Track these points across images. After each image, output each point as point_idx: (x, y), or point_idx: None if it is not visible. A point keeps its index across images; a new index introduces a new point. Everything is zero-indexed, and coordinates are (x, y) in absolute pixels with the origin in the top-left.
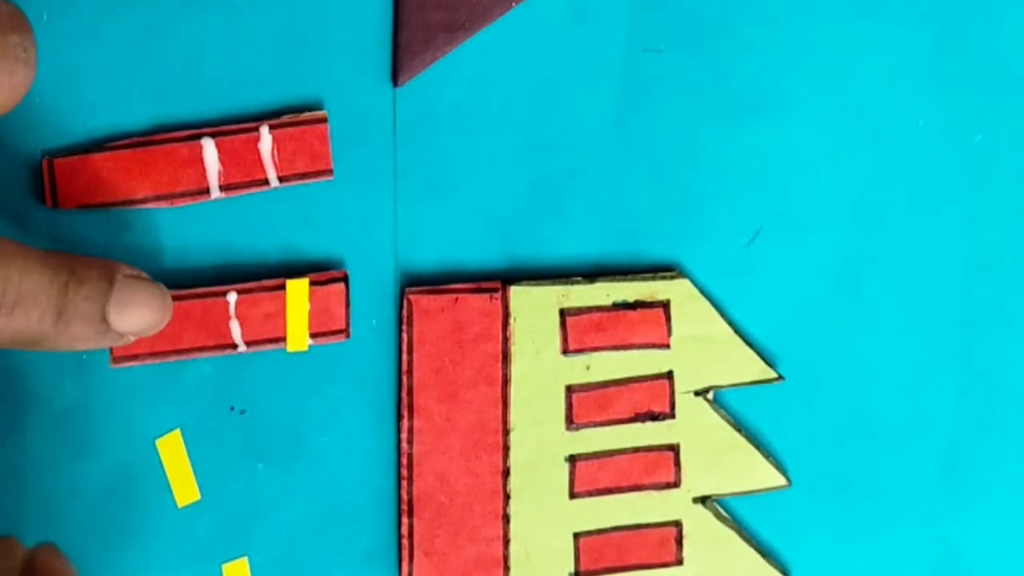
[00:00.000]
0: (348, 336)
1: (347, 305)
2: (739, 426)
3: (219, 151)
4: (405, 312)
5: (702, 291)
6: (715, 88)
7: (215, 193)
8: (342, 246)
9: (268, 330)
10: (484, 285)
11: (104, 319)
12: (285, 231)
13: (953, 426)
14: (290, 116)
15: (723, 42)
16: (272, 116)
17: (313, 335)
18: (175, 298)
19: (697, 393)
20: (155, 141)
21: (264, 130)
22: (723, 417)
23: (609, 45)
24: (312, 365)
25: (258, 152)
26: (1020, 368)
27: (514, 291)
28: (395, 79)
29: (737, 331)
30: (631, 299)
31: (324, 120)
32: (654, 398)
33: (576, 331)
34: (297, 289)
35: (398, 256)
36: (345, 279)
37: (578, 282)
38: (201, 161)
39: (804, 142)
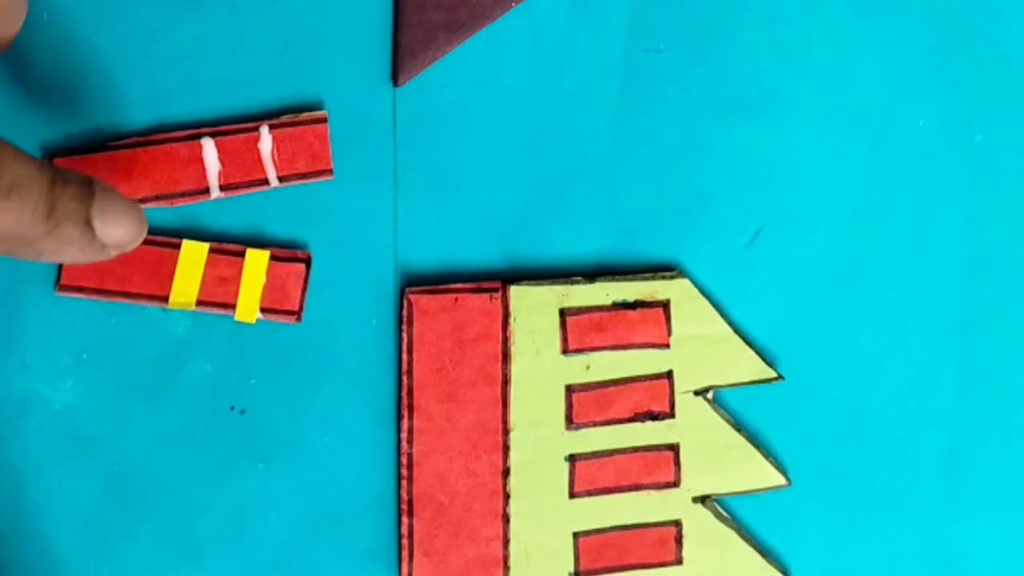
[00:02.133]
0: (299, 320)
1: (304, 288)
2: (739, 426)
3: (219, 151)
4: (405, 312)
5: (702, 291)
6: (715, 88)
7: (215, 193)
8: (342, 246)
9: (220, 294)
10: (484, 285)
11: (89, 224)
12: (285, 231)
13: (953, 426)
14: (290, 116)
15: (723, 42)
16: (272, 116)
17: (264, 310)
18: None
19: (697, 393)
20: (155, 141)
21: (264, 130)
22: (723, 417)
23: (609, 45)
24: (312, 365)
25: (258, 152)
26: (1020, 368)
27: (514, 291)
28: (395, 79)
29: (737, 331)
30: (631, 299)
31: (324, 120)
32: (654, 398)
33: (576, 331)
34: (256, 260)
35: (398, 256)
36: (307, 261)
37: (578, 282)
38: (201, 161)
39: (804, 142)
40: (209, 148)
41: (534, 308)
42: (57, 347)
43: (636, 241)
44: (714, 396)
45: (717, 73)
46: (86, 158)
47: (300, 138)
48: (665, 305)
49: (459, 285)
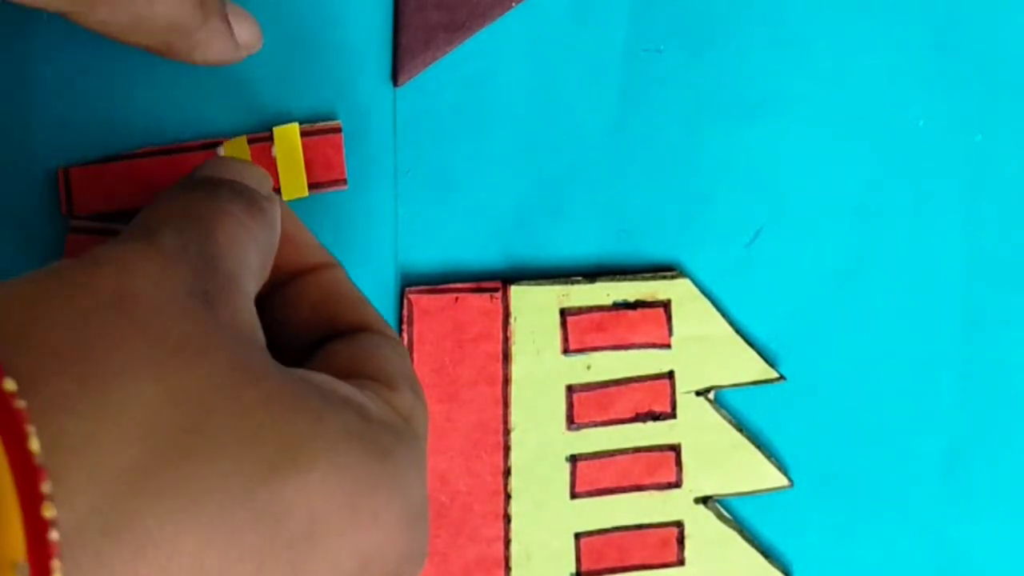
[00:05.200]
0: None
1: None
2: (740, 426)
3: None
4: (405, 312)
5: (703, 291)
6: (715, 88)
7: None
8: (342, 246)
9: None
10: (484, 285)
11: (227, 20)
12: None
13: (953, 426)
14: (306, 125)
15: (723, 42)
16: (279, 121)
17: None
18: None
19: (698, 393)
20: (172, 150)
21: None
22: (724, 417)
23: (609, 45)
24: None
25: (273, 161)
26: (1020, 368)
27: (514, 291)
28: (395, 79)
29: (738, 331)
30: (632, 299)
31: (339, 130)
32: (655, 398)
33: (577, 331)
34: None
35: (398, 256)
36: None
37: (578, 282)
38: None
39: (804, 142)
40: None
41: (534, 308)
42: None
43: (636, 241)
44: (715, 396)
45: (717, 73)
46: (102, 167)
47: (314, 148)
48: (666, 305)
49: (459, 285)
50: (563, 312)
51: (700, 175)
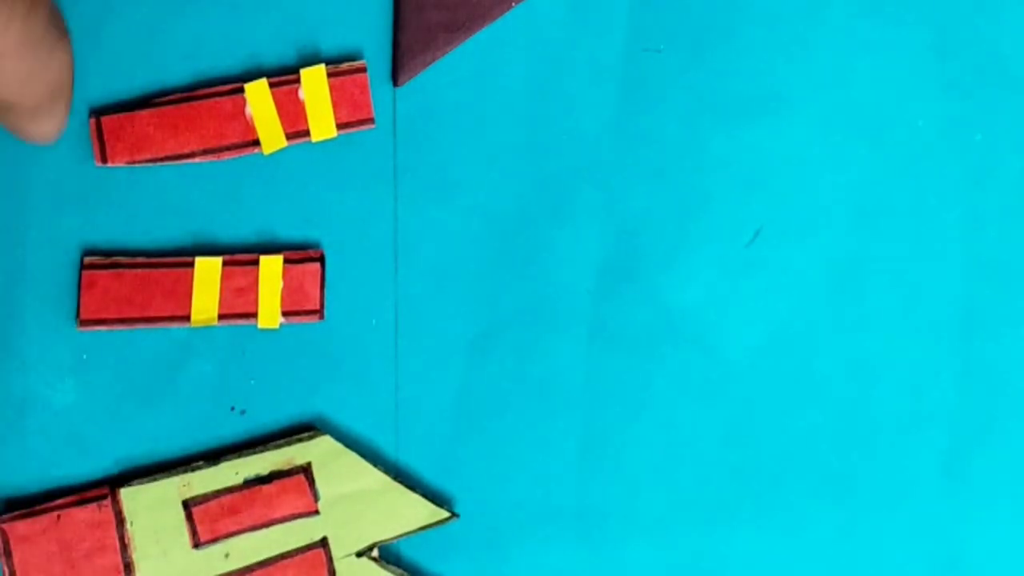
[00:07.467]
0: (322, 317)
1: (322, 286)
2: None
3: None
4: (1, 545)
5: (347, 444)
6: (715, 88)
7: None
8: (342, 246)
9: (240, 304)
10: (88, 495)
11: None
12: (284, 232)
13: (953, 426)
14: (331, 67)
15: (723, 42)
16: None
17: (285, 313)
18: (145, 265)
19: (359, 554)
20: (198, 96)
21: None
22: (393, 573)
23: (609, 45)
24: (312, 365)
25: (300, 104)
26: (1020, 368)
27: (124, 493)
28: (395, 79)
29: (395, 478)
30: (265, 472)
31: (364, 69)
32: (310, 571)
33: (206, 520)
34: (271, 265)
35: (398, 256)
36: (321, 259)
37: (200, 467)
38: (244, 114)
39: (804, 142)
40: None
41: (152, 507)
42: (57, 347)
43: (636, 241)
44: (379, 552)
45: (717, 73)
46: (133, 115)
47: (340, 88)
48: (306, 469)
49: (59, 501)
50: (186, 504)
51: (700, 175)
